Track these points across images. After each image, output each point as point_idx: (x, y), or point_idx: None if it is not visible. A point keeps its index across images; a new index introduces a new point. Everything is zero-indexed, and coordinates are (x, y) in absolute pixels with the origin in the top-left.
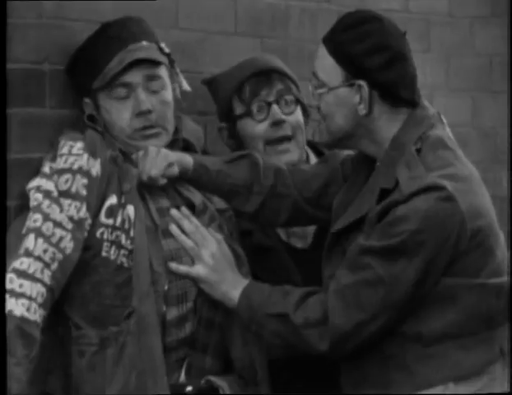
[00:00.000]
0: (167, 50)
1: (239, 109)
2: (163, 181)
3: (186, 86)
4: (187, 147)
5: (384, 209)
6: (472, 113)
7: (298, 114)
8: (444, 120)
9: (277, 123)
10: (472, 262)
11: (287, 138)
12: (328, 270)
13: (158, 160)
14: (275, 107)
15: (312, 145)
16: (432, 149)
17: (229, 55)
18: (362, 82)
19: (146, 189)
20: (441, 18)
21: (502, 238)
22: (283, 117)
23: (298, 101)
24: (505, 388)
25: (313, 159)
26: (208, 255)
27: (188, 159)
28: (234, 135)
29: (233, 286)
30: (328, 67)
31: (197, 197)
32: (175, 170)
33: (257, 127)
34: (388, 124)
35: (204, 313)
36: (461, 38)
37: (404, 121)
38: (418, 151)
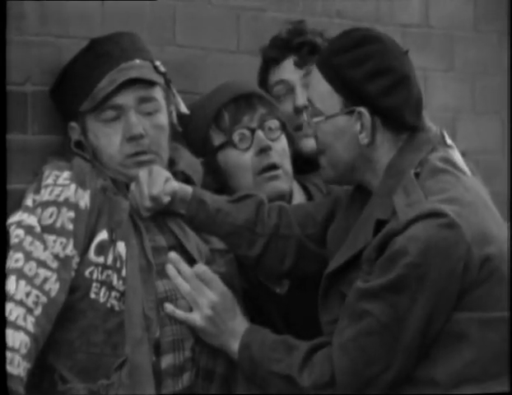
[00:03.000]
0: (163, 69)
1: (218, 139)
2: (167, 199)
3: (184, 109)
4: (186, 181)
5: (381, 242)
6: (503, 138)
7: (283, 141)
8: (449, 141)
9: (264, 151)
10: (485, 294)
11: (274, 166)
12: (325, 316)
13: (153, 177)
14: (259, 133)
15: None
16: (432, 173)
17: (230, 74)
18: (363, 109)
19: (143, 224)
20: (466, 33)
21: None
22: (269, 143)
23: (283, 126)
24: None
25: (296, 190)
26: (207, 305)
27: (186, 189)
28: (214, 169)
29: (232, 336)
30: (323, 93)
31: (191, 240)
32: (175, 185)
33: (241, 158)
34: (388, 152)
35: (203, 364)
36: (488, 55)
37: (401, 146)
38: (417, 175)
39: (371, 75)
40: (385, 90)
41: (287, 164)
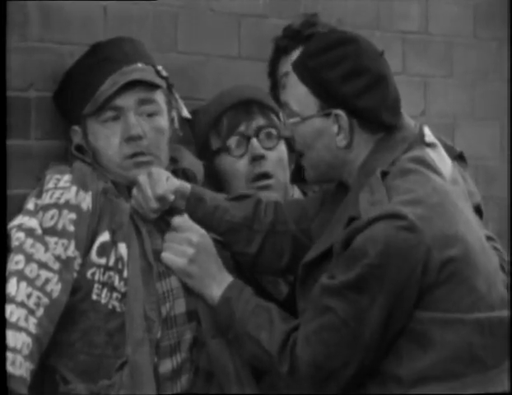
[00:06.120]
0: (165, 73)
1: (215, 143)
2: (172, 197)
3: (186, 113)
4: (187, 179)
5: (345, 238)
6: (501, 144)
7: (280, 150)
8: (429, 139)
9: (256, 159)
10: (445, 295)
11: (267, 176)
12: (301, 303)
13: (155, 177)
14: (254, 141)
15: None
16: (401, 173)
17: (232, 80)
18: (340, 112)
19: (144, 226)
20: (465, 40)
21: (493, 267)
22: (263, 152)
23: (280, 136)
24: None
25: (298, 196)
26: (189, 245)
27: (186, 186)
28: (211, 173)
29: (214, 280)
30: (300, 96)
31: None
32: (176, 182)
33: (236, 164)
34: (364, 151)
35: (202, 365)
36: (487, 61)
37: (375, 145)
38: (385, 174)
39: (347, 76)
40: (361, 91)
41: (281, 174)
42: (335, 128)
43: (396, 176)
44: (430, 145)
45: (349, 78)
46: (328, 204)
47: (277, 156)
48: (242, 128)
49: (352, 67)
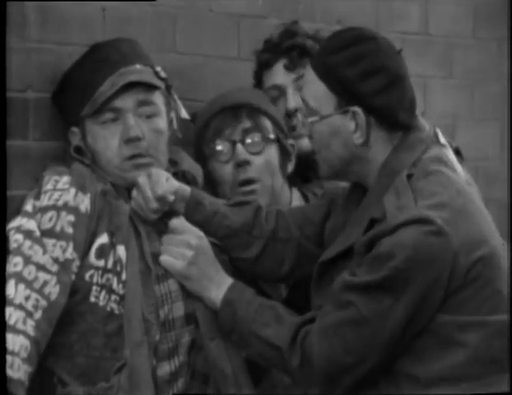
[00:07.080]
0: (163, 75)
1: (205, 148)
2: (172, 197)
3: (184, 114)
4: (187, 182)
5: (370, 240)
6: (501, 145)
7: (268, 154)
8: (443, 140)
9: (241, 165)
10: (470, 297)
11: (251, 181)
12: (316, 300)
13: (154, 178)
14: (239, 146)
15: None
16: (424, 174)
17: (231, 81)
18: (357, 109)
19: (144, 229)
20: (465, 40)
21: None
22: (248, 157)
23: (269, 139)
24: None
25: (296, 200)
26: (188, 248)
27: (186, 188)
28: (207, 177)
29: (212, 282)
30: (318, 93)
31: None
32: (176, 183)
33: (222, 169)
34: (382, 151)
35: (199, 367)
36: (487, 62)
37: (395, 146)
38: (410, 176)
39: (365, 74)
40: (379, 90)
41: (268, 179)
42: (352, 126)
43: (419, 178)
44: (443, 146)
45: (367, 76)
46: (339, 207)
47: (264, 161)
48: (227, 132)
49: (371, 65)
